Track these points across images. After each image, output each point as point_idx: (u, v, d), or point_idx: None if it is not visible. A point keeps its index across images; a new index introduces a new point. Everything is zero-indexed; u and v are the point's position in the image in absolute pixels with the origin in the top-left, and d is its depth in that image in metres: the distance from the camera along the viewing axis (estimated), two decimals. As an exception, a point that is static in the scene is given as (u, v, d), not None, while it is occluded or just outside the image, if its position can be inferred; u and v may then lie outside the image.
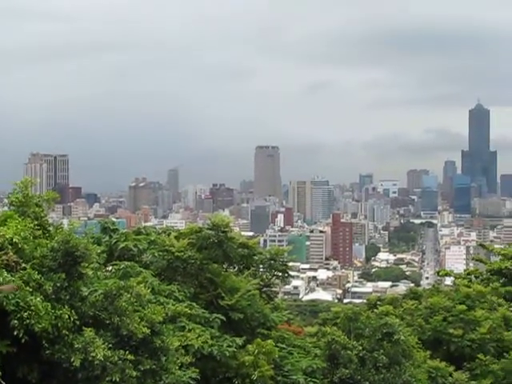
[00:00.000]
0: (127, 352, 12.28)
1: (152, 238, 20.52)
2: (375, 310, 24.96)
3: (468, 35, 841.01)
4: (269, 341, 17.02)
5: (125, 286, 13.15)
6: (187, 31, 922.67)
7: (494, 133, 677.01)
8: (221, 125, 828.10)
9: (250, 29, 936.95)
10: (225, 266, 20.17)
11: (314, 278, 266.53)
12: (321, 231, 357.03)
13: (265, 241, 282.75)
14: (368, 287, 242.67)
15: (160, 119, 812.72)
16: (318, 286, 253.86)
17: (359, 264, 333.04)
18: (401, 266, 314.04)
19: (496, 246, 42.16)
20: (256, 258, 20.57)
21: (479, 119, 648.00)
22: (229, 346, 16.37)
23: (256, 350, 16.42)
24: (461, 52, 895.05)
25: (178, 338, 14.82)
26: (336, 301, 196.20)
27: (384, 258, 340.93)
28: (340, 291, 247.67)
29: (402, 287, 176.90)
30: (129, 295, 13.01)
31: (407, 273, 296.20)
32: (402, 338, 18.54)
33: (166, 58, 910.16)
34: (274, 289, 22.48)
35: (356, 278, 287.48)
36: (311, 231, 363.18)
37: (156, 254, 19.04)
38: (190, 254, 18.71)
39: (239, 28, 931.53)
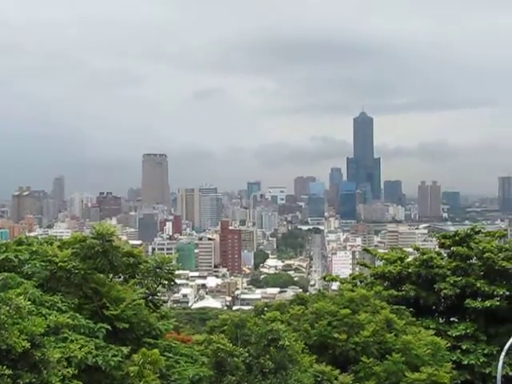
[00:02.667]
0: (5, 367, 11.89)
1: (34, 249, 19.98)
2: (262, 317, 25.09)
3: (352, 45, 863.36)
4: (155, 350, 16.84)
5: (3, 299, 12.73)
6: (74, 36, 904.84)
7: (377, 140, 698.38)
8: (108, 132, 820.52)
9: (140, 35, 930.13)
10: (110, 276, 19.85)
11: (203, 285, 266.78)
12: (209, 239, 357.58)
13: (153, 249, 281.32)
14: (257, 294, 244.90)
15: (46, 126, 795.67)
16: (207, 293, 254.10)
17: (248, 271, 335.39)
18: (289, 272, 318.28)
19: (380, 251, 43.07)
20: (142, 266, 20.34)
21: (363, 127, 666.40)
22: (114, 356, 16.09)
23: (141, 360, 16.21)
24: (345, 62, 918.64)
25: (60, 349, 14.47)
26: (225, 308, 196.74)
27: (272, 264, 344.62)
28: (229, 298, 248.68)
29: (291, 293, 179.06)
30: (7, 308, 12.60)
31: (295, 279, 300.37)
32: (287, 343, 18.67)
33: (53, 64, 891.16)
34: (160, 297, 22.30)
35: (245, 284, 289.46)
36: (200, 239, 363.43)
37: (38, 265, 18.54)
38: (74, 263, 18.30)
39: (129, 34, 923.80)
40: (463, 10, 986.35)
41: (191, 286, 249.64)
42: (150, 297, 20.91)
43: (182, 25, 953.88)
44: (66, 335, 15.67)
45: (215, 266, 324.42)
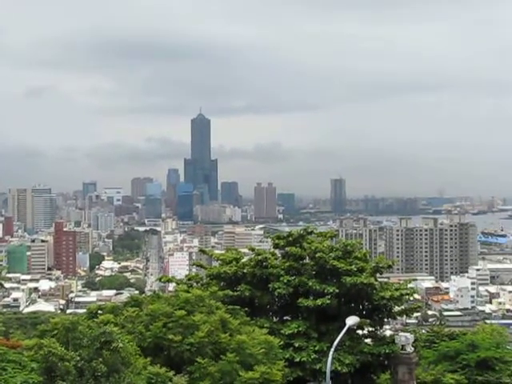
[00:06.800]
0: None
1: None
2: (95, 319, 24.59)
3: (189, 48, 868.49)
4: (-21, 357, 16.11)
5: None
6: None
7: (214, 142, 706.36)
8: None
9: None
10: None
11: (36, 289, 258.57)
12: (43, 240, 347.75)
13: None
14: (92, 296, 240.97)
15: None
16: (39, 297, 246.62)
17: (83, 273, 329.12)
18: (125, 274, 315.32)
19: (216, 252, 43.35)
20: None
21: (201, 128, 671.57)
22: None
23: (-36, 368, 15.45)
24: (183, 63, 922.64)
25: None
26: (59, 311, 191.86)
27: (108, 266, 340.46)
28: (63, 301, 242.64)
29: (127, 295, 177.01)
30: None
31: (132, 280, 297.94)
32: (121, 345, 18.40)
33: None
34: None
35: (80, 287, 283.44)
36: (32, 241, 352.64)
37: None
38: None
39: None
40: (295, 19, 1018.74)
41: (23, 290, 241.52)
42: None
43: (14, 21, 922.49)
44: None
45: (49, 269, 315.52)
